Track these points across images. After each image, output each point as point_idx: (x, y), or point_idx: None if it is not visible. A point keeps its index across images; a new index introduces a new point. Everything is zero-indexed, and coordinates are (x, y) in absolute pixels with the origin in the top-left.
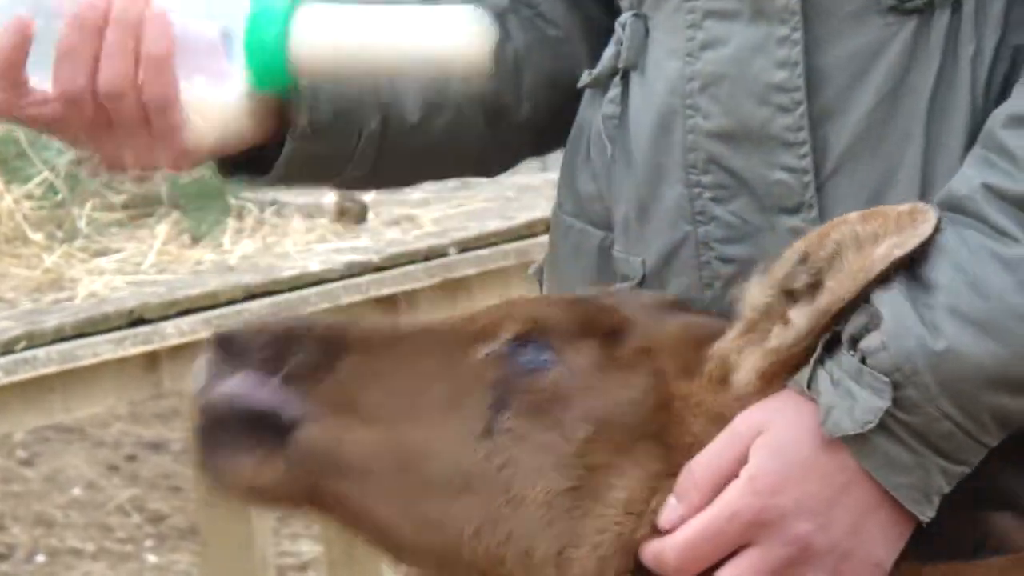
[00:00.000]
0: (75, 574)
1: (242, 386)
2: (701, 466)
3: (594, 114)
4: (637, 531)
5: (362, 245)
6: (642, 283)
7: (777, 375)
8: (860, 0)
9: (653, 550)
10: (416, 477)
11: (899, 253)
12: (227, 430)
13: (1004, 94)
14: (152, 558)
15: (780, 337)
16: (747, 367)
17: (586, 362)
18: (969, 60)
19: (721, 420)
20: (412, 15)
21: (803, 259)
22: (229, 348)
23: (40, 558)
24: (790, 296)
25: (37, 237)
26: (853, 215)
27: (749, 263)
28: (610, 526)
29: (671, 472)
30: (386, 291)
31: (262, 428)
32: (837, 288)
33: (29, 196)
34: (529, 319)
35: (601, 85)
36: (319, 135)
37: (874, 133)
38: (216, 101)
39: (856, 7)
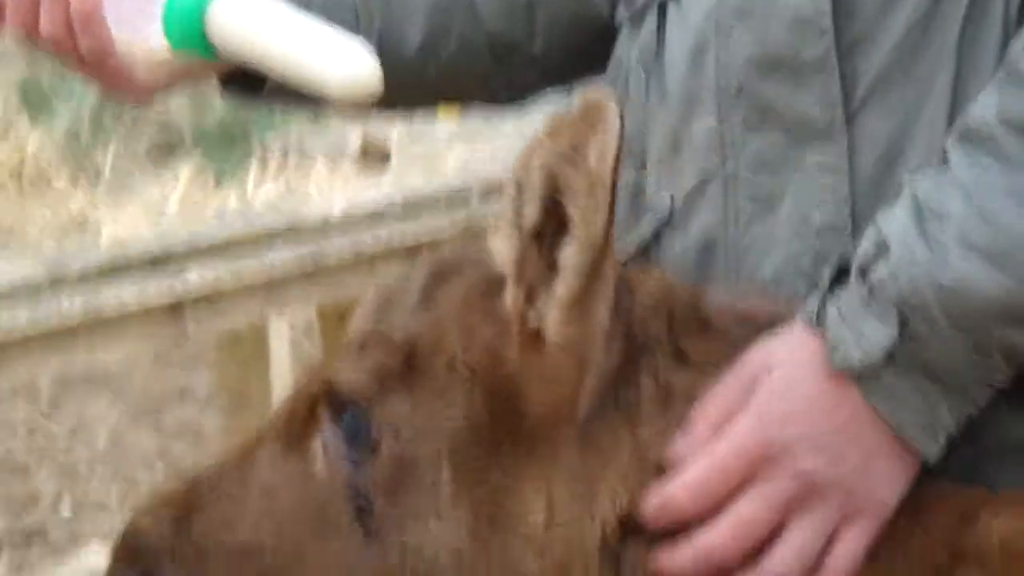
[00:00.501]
0: (101, 525)
1: None
2: (710, 401)
3: (631, 48)
4: (593, 519)
5: (385, 188)
6: (669, 220)
7: (582, 315)
8: None
9: (659, 497)
10: None
11: (611, 161)
12: None
13: None
14: None
15: (563, 285)
16: (551, 322)
17: (400, 408)
18: None
19: (557, 379)
20: (313, 33)
21: (520, 194)
22: None
23: (65, 506)
24: (537, 236)
25: (61, 180)
26: (538, 138)
27: (772, 201)
28: (552, 541)
29: (553, 451)
30: (410, 238)
31: None
32: (586, 221)
33: (53, 140)
34: (329, 390)
35: (638, 18)
36: None
37: (905, 62)
38: (155, 48)
39: None
